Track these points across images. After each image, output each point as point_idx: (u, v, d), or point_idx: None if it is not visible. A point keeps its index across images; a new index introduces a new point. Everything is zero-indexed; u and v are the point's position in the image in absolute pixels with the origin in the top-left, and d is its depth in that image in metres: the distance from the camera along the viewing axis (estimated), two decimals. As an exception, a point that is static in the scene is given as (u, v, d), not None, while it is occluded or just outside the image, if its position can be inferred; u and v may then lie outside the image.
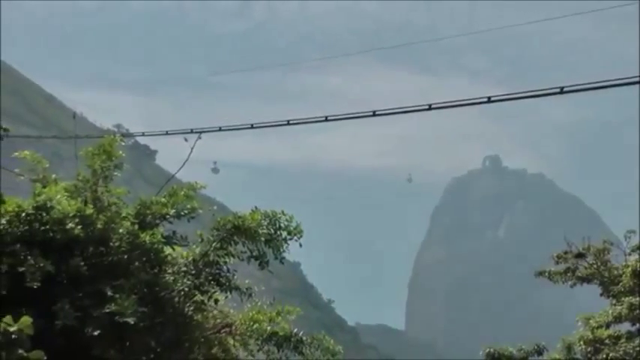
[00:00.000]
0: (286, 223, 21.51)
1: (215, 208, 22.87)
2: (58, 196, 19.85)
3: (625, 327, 32.71)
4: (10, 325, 10.12)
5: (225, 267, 21.10)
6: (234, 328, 22.05)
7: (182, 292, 20.39)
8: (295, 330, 22.31)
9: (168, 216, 21.46)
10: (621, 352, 31.30)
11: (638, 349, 30.99)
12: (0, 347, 10.12)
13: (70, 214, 19.48)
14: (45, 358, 10.31)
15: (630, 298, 32.14)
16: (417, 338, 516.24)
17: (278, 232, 21.45)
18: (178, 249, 21.27)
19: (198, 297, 20.78)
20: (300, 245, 21.78)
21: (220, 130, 21.57)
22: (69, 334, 17.68)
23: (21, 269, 17.86)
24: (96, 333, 17.99)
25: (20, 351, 10.11)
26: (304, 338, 22.21)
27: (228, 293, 21.45)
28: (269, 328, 22.04)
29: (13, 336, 10.10)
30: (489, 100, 16.21)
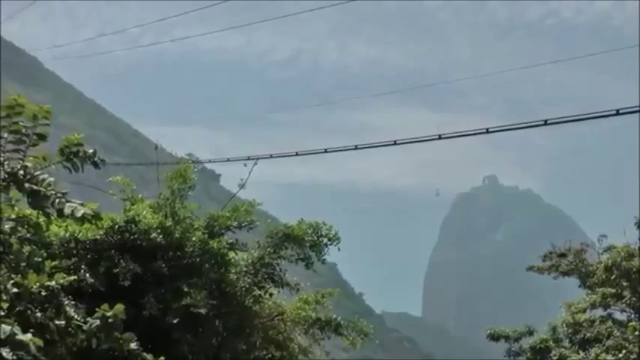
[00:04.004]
0: (327, 231, 21.52)
1: (269, 220, 22.94)
2: (144, 212, 19.92)
3: (599, 312, 32.57)
4: (106, 311, 10.30)
5: (277, 267, 21.07)
6: (285, 315, 22.02)
7: (243, 288, 20.38)
8: (335, 315, 22.29)
9: (231, 227, 21.46)
10: (595, 333, 31.23)
11: (609, 330, 30.85)
12: (99, 329, 10.30)
13: (154, 226, 19.57)
14: (135, 338, 10.44)
15: (603, 289, 32.06)
16: (432, 323, 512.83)
17: (320, 239, 21.42)
18: (240, 253, 21.26)
19: (257, 292, 20.74)
20: (339, 249, 21.79)
21: (271, 157, 21.45)
22: (153, 322, 17.73)
23: (115, 270, 17.97)
24: (175, 321, 18.09)
25: (115, 333, 10.26)
26: (342, 322, 22.19)
27: (280, 288, 21.40)
28: (313, 314, 22.01)
29: (109, 320, 10.26)
30: (487, 131, 16.07)
